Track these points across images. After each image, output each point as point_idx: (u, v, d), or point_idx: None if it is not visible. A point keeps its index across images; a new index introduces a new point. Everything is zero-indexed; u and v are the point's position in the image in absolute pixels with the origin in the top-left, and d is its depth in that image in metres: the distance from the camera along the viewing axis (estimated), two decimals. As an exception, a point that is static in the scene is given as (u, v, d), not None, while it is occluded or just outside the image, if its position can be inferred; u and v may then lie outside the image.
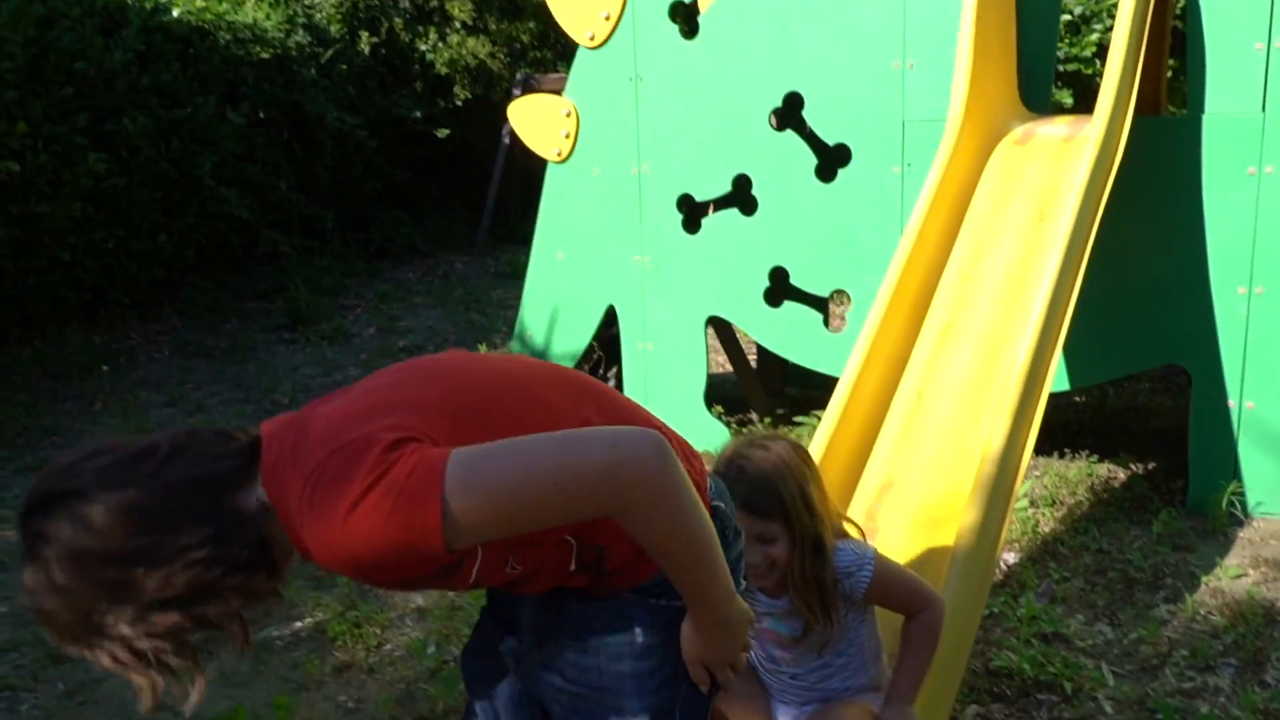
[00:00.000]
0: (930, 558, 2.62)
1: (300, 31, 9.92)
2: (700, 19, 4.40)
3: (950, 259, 3.15)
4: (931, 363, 2.94)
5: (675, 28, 4.45)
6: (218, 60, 8.71)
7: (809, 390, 5.59)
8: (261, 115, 9.05)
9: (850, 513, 2.77)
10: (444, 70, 11.33)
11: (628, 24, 4.52)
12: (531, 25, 12.27)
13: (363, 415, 1.35)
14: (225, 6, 9.18)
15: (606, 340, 5.04)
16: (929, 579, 2.43)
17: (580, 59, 4.70)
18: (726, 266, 4.53)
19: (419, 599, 3.59)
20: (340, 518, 1.26)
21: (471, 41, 11.47)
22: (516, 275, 10.19)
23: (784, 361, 5.47)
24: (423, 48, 11.30)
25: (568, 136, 4.77)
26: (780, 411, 5.22)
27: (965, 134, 3.30)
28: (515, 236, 11.98)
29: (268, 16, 9.63)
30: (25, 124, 6.57)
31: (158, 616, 1.28)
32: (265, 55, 9.19)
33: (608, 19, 4.54)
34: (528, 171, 12.27)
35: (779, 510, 1.97)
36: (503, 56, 11.78)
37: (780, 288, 4.49)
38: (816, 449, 2.72)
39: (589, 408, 1.50)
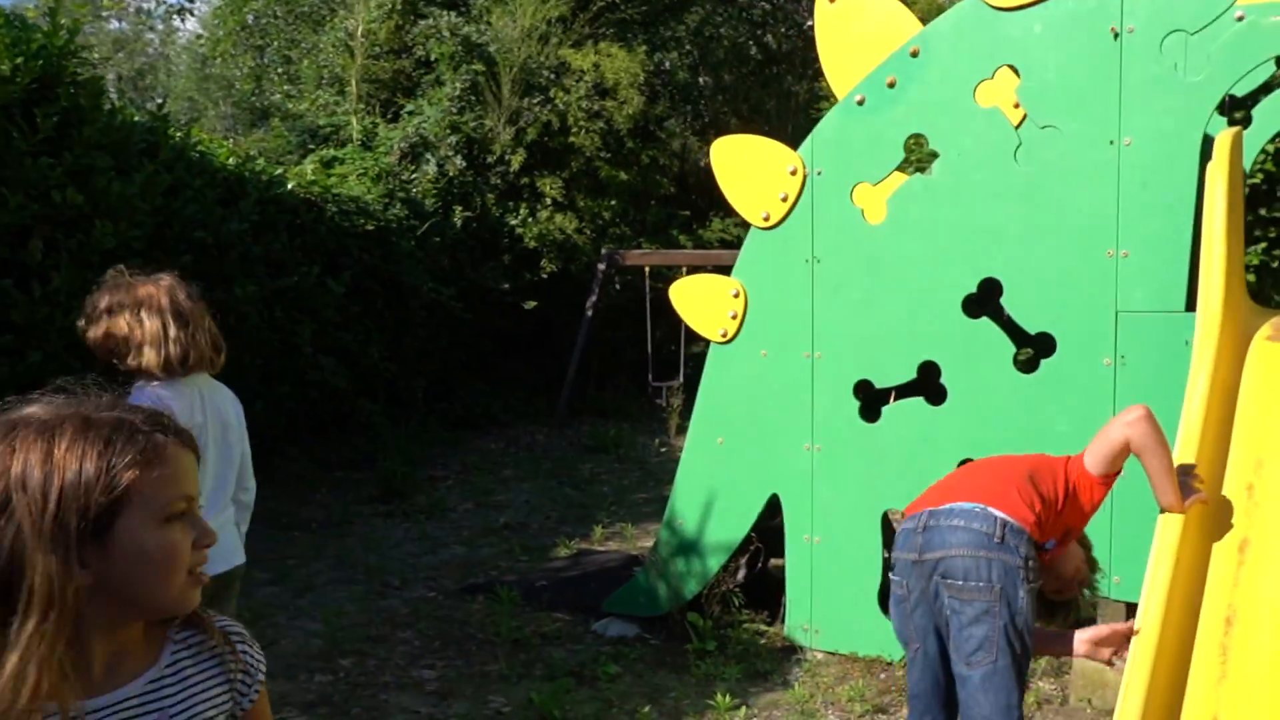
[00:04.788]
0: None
1: (398, 205, 10.08)
2: (888, 201, 4.29)
3: (1228, 467, 2.87)
4: (1231, 583, 2.62)
5: (858, 210, 4.34)
6: (324, 231, 8.79)
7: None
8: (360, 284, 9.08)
9: None
10: (533, 244, 11.45)
11: (806, 205, 4.42)
12: (613, 203, 12.49)
13: None
14: (333, 180, 9.36)
15: (766, 531, 4.73)
16: None
17: (752, 239, 4.59)
18: (909, 457, 4.26)
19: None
20: None
21: (560, 217, 11.64)
22: (603, 449, 9.97)
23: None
24: (513, 222, 11.45)
25: (734, 317, 4.60)
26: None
27: (1224, 331, 3.07)
28: (593, 409, 11.83)
29: (368, 191, 9.80)
30: (146, 290, 6.54)
31: None
32: (369, 227, 9.29)
33: (785, 200, 4.45)
34: (608, 346, 12.25)
35: None
36: (589, 232, 11.92)
37: (971, 482, 4.20)
38: (1134, 692, 2.37)
39: None
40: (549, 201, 11.61)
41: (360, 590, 5.71)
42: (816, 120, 12.36)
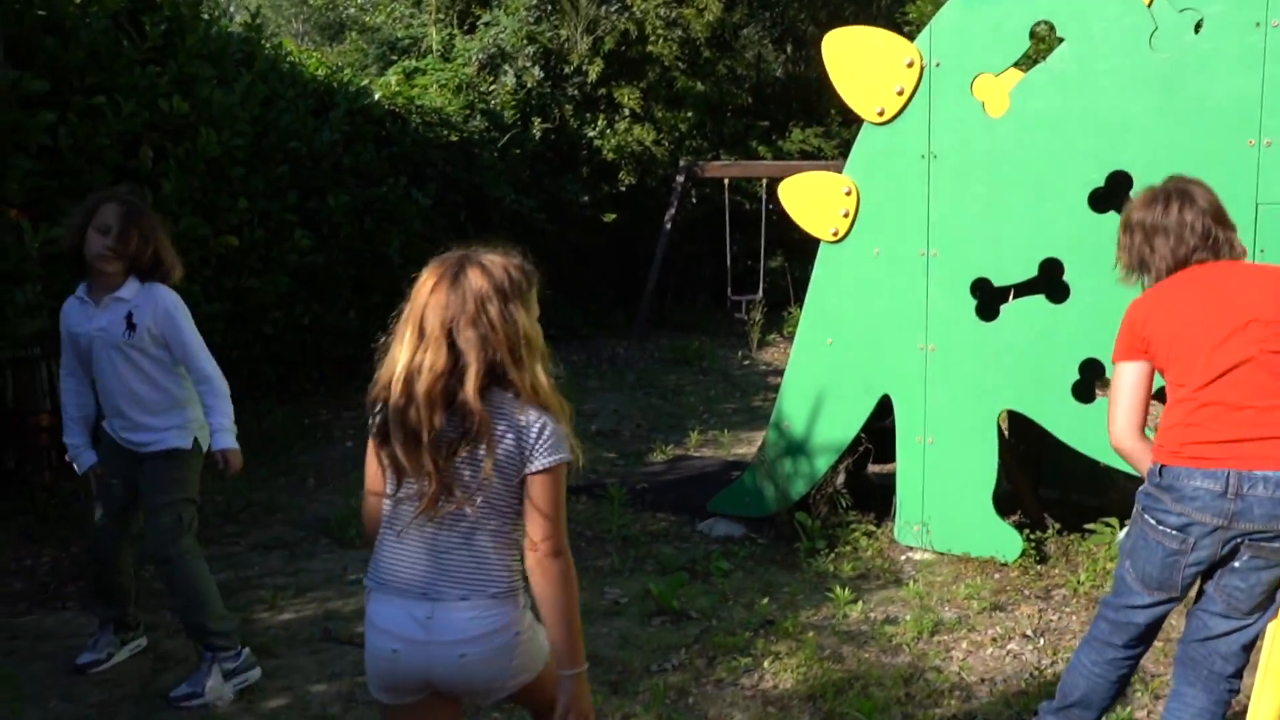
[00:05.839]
0: None
1: (478, 117, 10.05)
2: (1011, 93, 4.17)
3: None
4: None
5: (978, 103, 4.23)
6: (409, 142, 8.81)
7: (1069, 495, 5.19)
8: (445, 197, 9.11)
9: None
10: (611, 156, 11.37)
11: (923, 99, 4.31)
12: (690, 115, 12.31)
13: None
14: (416, 91, 9.34)
15: (876, 432, 4.73)
16: None
17: (865, 135, 4.50)
18: (1028, 357, 4.21)
19: None
20: None
21: (638, 129, 11.52)
22: (686, 361, 10.02)
23: (1039, 461, 5.11)
24: (591, 134, 11.37)
25: (846, 216, 4.54)
26: (1049, 517, 4.83)
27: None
28: (672, 322, 11.85)
29: (449, 102, 9.78)
30: (246, 200, 6.64)
31: None
32: (453, 139, 9.28)
33: (900, 94, 4.34)
34: (686, 259, 12.20)
35: None
36: (666, 144, 11.79)
37: (1093, 382, 4.15)
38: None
39: None
40: (626, 113, 11.49)
41: (465, 491, 5.84)
42: (899, 26, 11.92)
